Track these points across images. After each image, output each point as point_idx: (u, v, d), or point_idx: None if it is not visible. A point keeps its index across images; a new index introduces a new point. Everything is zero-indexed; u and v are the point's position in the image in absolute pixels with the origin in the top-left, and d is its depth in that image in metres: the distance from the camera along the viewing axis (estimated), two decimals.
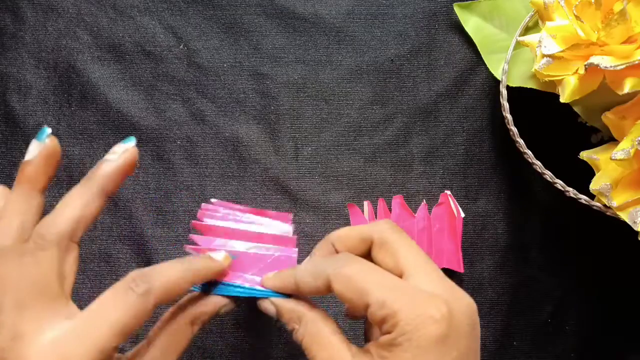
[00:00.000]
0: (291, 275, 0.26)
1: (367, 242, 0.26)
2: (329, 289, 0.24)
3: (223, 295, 0.27)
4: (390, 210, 0.40)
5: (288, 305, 0.26)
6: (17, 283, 0.22)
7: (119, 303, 0.22)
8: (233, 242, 0.29)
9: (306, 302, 0.26)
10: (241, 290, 0.28)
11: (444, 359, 0.22)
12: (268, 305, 0.27)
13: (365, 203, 0.40)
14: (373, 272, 0.24)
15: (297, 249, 0.29)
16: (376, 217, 0.40)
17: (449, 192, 0.40)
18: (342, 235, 0.27)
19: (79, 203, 0.25)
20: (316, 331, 0.24)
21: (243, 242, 0.29)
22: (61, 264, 0.24)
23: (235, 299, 0.28)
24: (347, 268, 0.23)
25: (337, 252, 0.27)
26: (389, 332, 0.22)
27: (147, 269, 0.24)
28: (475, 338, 0.23)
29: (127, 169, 0.27)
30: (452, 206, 0.40)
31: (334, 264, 0.24)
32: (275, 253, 0.29)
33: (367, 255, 0.26)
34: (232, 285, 0.28)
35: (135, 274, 0.23)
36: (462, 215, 0.39)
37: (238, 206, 0.31)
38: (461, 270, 0.39)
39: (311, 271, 0.25)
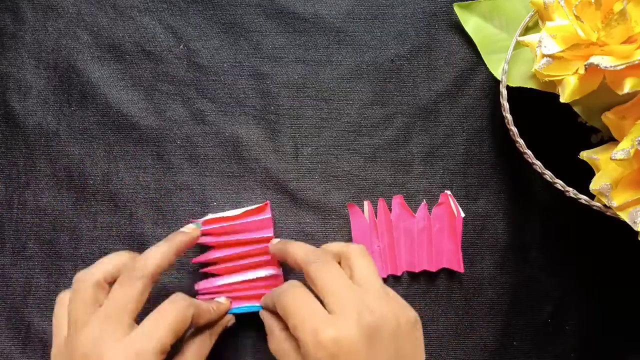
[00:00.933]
0: (266, 298, 0.35)
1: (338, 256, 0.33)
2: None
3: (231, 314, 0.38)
4: (390, 210, 0.40)
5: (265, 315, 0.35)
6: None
7: (171, 310, 0.30)
8: (228, 278, 0.38)
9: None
10: (244, 308, 0.38)
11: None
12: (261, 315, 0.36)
13: (366, 203, 0.40)
14: (299, 298, 0.30)
15: (280, 269, 0.38)
16: (376, 217, 0.40)
17: (449, 192, 0.40)
18: (331, 245, 0.34)
19: (160, 254, 0.32)
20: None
21: (235, 276, 0.38)
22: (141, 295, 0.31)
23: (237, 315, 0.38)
24: (282, 296, 0.30)
25: None
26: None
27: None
28: (376, 352, 0.27)
29: (193, 242, 0.36)
30: (452, 206, 0.40)
31: (279, 292, 0.31)
32: (259, 274, 0.37)
33: None
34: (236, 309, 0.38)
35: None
36: (462, 215, 0.39)
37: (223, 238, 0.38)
38: (461, 270, 0.39)
39: (270, 298, 0.33)
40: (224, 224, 0.37)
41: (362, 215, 0.40)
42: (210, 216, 0.38)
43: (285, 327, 0.31)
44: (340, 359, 0.27)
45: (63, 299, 0.31)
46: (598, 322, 0.40)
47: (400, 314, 0.29)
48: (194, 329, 0.34)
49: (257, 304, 0.37)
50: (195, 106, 0.41)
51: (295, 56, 0.42)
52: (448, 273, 0.40)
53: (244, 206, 0.40)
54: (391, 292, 0.31)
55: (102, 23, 0.42)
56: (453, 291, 0.40)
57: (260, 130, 0.41)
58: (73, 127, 0.41)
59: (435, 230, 0.40)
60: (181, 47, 0.42)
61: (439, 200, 0.40)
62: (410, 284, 0.40)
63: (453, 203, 0.40)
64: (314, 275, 0.30)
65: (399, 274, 0.40)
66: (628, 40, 0.30)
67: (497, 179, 0.41)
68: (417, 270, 0.39)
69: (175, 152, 0.41)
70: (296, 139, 0.41)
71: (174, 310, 0.30)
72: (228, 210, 0.40)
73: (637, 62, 0.29)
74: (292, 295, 0.30)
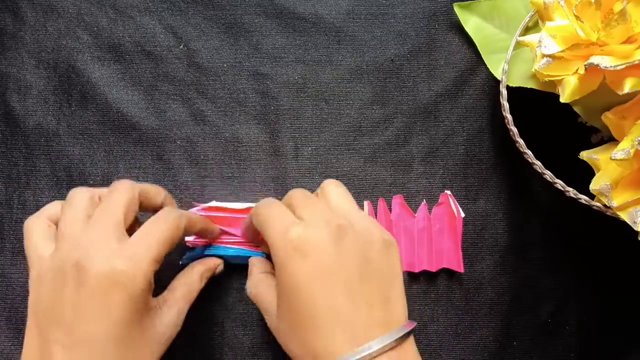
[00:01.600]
0: (248, 217, 0.35)
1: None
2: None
3: (217, 256, 0.38)
4: (390, 210, 0.40)
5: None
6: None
7: (163, 221, 0.30)
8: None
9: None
10: (230, 250, 0.38)
11: (299, 269, 0.27)
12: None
13: (366, 203, 0.40)
14: (273, 207, 0.31)
15: None
16: (376, 217, 0.40)
17: (449, 192, 0.40)
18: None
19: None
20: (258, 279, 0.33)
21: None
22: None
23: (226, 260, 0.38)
24: (257, 207, 0.32)
25: None
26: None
27: None
28: (344, 250, 0.28)
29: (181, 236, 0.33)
30: (452, 206, 0.40)
31: (256, 205, 0.33)
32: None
33: None
34: (222, 248, 0.38)
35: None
36: (462, 215, 0.39)
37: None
38: (461, 270, 0.39)
39: (250, 215, 0.34)
40: (225, 214, 0.38)
41: None
42: (213, 203, 0.39)
43: (265, 270, 0.33)
44: (307, 252, 0.27)
45: (31, 224, 0.30)
46: (598, 322, 0.40)
47: (374, 231, 0.30)
48: (184, 271, 0.35)
49: (243, 248, 0.37)
50: (195, 106, 0.41)
51: (295, 56, 0.42)
52: (448, 273, 0.40)
53: None
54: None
55: (102, 23, 0.42)
56: (453, 291, 0.40)
57: (260, 130, 0.41)
58: (73, 127, 0.41)
59: (436, 230, 0.40)
60: (181, 47, 0.42)
61: (439, 200, 0.40)
62: (410, 284, 0.40)
63: (453, 203, 0.40)
64: (286, 197, 0.32)
65: None
66: (628, 40, 0.30)
67: (497, 179, 0.41)
68: (417, 270, 0.39)
69: (175, 152, 0.41)
70: (296, 139, 0.41)
71: (167, 220, 0.30)
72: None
73: (637, 62, 0.29)
74: (266, 205, 0.31)
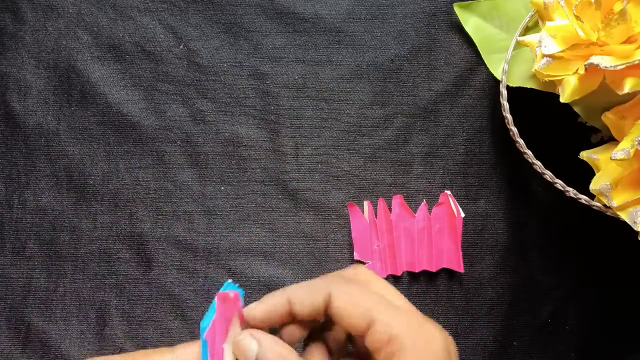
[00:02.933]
0: (282, 295, 0.23)
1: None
2: (326, 308, 0.22)
3: None
4: (390, 210, 0.40)
5: (275, 348, 0.22)
6: None
7: None
8: None
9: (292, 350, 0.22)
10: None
11: None
12: (248, 343, 0.22)
13: (366, 203, 0.40)
14: (374, 293, 0.22)
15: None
16: (376, 217, 0.40)
17: (449, 192, 0.40)
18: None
19: None
20: None
21: None
22: None
23: None
24: (349, 285, 0.22)
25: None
26: (390, 355, 0.21)
27: None
28: None
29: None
30: (452, 206, 0.40)
31: (333, 281, 0.22)
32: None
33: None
34: None
35: None
36: (462, 215, 0.39)
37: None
38: (461, 270, 0.39)
39: (308, 288, 0.23)
40: None
41: (362, 215, 0.40)
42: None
43: None
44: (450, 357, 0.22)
45: None
46: (598, 322, 0.40)
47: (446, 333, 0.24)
48: None
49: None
50: (195, 106, 0.41)
51: (295, 56, 0.42)
52: (448, 273, 0.40)
53: (243, 206, 0.40)
54: None
55: (102, 23, 0.42)
56: (453, 291, 0.40)
57: (260, 130, 0.41)
58: (73, 127, 0.41)
59: (435, 230, 0.40)
60: (181, 47, 0.42)
61: (439, 200, 0.40)
62: (410, 284, 0.40)
63: (453, 203, 0.40)
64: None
65: (398, 274, 0.40)
66: (628, 40, 0.30)
67: (497, 179, 0.41)
68: (417, 270, 0.39)
69: (175, 152, 0.41)
70: (296, 139, 0.41)
71: None
72: (232, 217, 0.40)
73: (637, 62, 0.29)
74: (364, 287, 0.23)
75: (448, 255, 0.39)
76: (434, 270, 0.39)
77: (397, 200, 0.40)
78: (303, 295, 0.22)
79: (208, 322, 0.24)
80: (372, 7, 0.43)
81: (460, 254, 0.39)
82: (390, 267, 0.40)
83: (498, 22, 0.41)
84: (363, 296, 0.22)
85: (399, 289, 0.40)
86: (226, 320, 0.24)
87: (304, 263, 0.40)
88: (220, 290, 0.25)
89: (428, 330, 0.21)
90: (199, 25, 0.42)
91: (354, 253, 0.39)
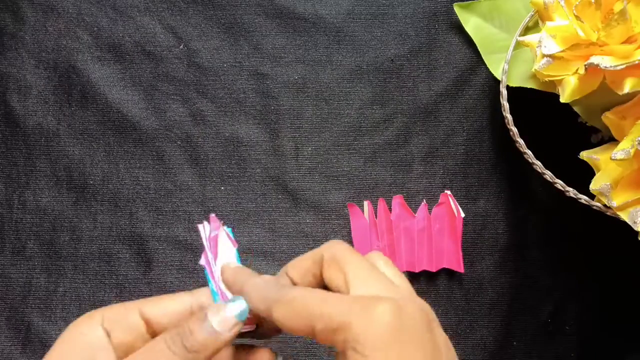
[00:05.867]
0: (241, 283, 0.25)
1: (318, 263, 0.25)
2: (269, 316, 0.23)
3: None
4: (390, 210, 0.40)
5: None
6: None
7: None
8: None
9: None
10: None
11: (401, 355, 0.21)
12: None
13: (366, 203, 0.40)
14: (314, 293, 0.23)
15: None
16: (376, 217, 0.40)
17: (449, 192, 0.40)
18: (294, 262, 0.26)
19: None
20: None
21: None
22: None
23: None
24: (289, 293, 0.23)
25: (293, 282, 0.26)
26: (343, 346, 0.21)
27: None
28: (431, 337, 0.22)
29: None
30: (452, 206, 0.40)
31: (277, 290, 0.23)
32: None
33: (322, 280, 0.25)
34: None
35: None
36: (462, 215, 0.39)
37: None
38: (461, 270, 0.39)
39: (259, 293, 0.24)
40: None
41: (362, 215, 0.40)
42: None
43: None
44: (403, 337, 0.21)
45: None
46: (598, 322, 0.40)
47: (423, 302, 0.25)
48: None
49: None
50: (195, 106, 0.41)
51: (295, 56, 0.42)
52: (448, 273, 0.40)
53: (243, 207, 0.40)
54: None
55: (102, 23, 0.42)
56: (453, 291, 0.40)
57: (260, 130, 0.41)
58: (73, 127, 0.41)
59: (436, 230, 0.40)
60: (181, 47, 0.42)
61: (439, 200, 0.40)
62: (410, 284, 0.40)
63: (453, 203, 0.40)
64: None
65: None
66: (628, 40, 0.30)
67: (497, 179, 0.41)
68: (417, 270, 0.39)
69: (175, 152, 0.41)
70: (296, 139, 0.41)
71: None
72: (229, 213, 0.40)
73: (637, 62, 0.29)
74: (303, 291, 0.24)
75: (448, 255, 0.39)
76: (434, 270, 0.39)
77: (397, 200, 0.40)
78: (254, 298, 0.24)
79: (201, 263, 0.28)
80: (372, 7, 0.43)
81: (461, 254, 0.39)
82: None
83: (498, 22, 0.41)
84: (305, 300, 0.22)
85: None
86: (211, 243, 0.28)
87: None
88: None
89: (376, 313, 0.21)
90: (199, 25, 0.42)
91: None
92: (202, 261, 0.28)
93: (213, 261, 0.28)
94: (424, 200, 0.40)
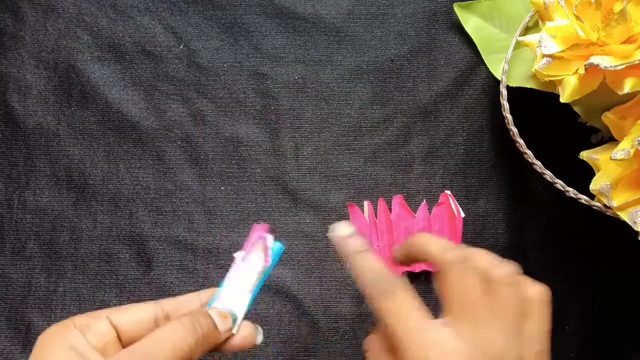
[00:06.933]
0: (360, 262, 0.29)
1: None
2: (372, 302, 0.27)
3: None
4: (390, 210, 0.40)
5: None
6: None
7: (166, 340, 0.25)
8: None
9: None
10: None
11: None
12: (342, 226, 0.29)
13: (366, 203, 0.40)
14: (413, 303, 0.27)
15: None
16: (376, 217, 0.40)
17: (449, 192, 0.40)
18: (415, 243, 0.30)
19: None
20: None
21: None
22: None
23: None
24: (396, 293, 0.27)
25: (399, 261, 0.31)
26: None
27: None
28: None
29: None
30: (452, 206, 0.39)
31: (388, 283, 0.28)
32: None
33: None
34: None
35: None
36: (462, 215, 0.39)
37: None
38: None
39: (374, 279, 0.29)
40: None
41: (362, 215, 0.40)
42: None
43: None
44: None
45: None
46: (598, 322, 0.40)
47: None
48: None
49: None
50: (195, 106, 0.41)
51: (295, 56, 0.42)
52: None
53: (243, 207, 0.40)
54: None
55: (102, 23, 0.42)
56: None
57: (260, 130, 0.41)
58: (73, 127, 0.41)
59: (435, 230, 0.40)
60: (181, 47, 0.42)
61: (439, 200, 0.40)
62: (410, 284, 0.40)
63: (453, 203, 0.40)
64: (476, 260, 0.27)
65: (399, 274, 0.40)
66: (628, 40, 0.30)
67: (497, 179, 0.41)
68: (417, 270, 0.39)
69: (175, 152, 0.41)
70: (296, 139, 0.41)
71: (164, 345, 0.25)
72: (230, 214, 0.40)
73: (637, 62, 0.29)
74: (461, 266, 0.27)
75: None
76: (434, 270, 0.39)
77: (397, 200, 0.40)
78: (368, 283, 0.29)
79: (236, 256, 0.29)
80: (372, 7, 0.43)
81: None
82: (389, 267, 0.39)
83: (498, 22, 0.41)
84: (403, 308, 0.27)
85: None
86: (252, 249, 0.29)
87: (304, 263, 0.40)
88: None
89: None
90: (199, 25, 0.42)
91: None
92: (238, 255, 0.29)
93: (241, 263, 0.29)
94: (424, 200, 0.40)
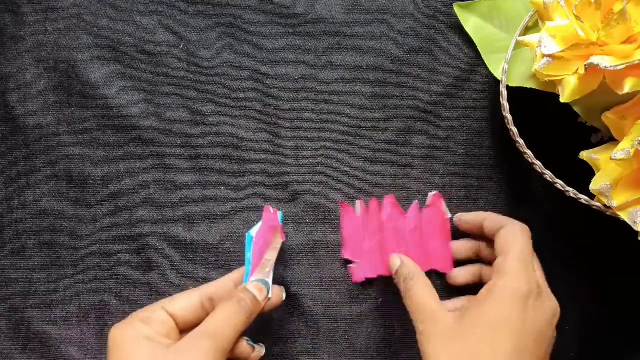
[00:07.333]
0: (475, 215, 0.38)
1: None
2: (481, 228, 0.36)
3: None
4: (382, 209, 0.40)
5: (409, 263, 0.35)
6: None
7: (220, 322, 0.31)
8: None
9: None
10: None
11: (511, 327, 0.29)
12: (394, 259, 0.36)
13: (358, 202, 0.40)
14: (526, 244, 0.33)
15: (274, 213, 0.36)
16: (369, 216, 0.40)
17: (438, 193, 0.40)
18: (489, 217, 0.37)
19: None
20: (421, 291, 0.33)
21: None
22: None
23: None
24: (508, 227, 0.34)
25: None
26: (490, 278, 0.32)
27: None
28: (542, 330, 0.31)
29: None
30: (441, 207, 0.39)
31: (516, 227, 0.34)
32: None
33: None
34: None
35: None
36: (449, 216, 0.39)
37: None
38: (450, 270, 0.39)
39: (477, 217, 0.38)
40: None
41: (354, 214, 0.40)
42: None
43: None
44: (526, 316, 0.30)
45: None
46: (598, 322, 0.40)
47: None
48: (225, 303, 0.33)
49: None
50: (195, 106, 0.41)
51: (295, 56, 0.42)
52: (438, 275, 0.40)
53: (243, 207, 0.40)
54: None
55: (102, 23, 0.42)
56: (453, 292, 0.40)
57: (260, 130, 0.41)
58: (73, 127, 0.41)
59: (425, 231, 0.39)
60: (181, 47, 0.42)
61: (428, 202, 0.40)
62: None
63: (442, 204, 0.39)
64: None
65: (389, 274, 0.39)
66: (628, 40, 0.30)
67: (497, 179, 0.41)
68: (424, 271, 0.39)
69: (175, 152, 0.41)
70: (296, 139, 0.41)
71: (224, 324, 0.30)
72: (229, 211, 0.40)
73: (637, 62, 0.29)
74: (525, 243, 0.34)
75: (438, 256, 0.39)
76: (424, 271, 0.39)
77: (389, 200, 0.40)
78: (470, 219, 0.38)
79: (252, 235, 0.35)
80: (372, 7, 0.43)
81: (450, 254, 0.39)
82: (380, 266, 0.39)
83: (498, 22, 0.41)
84: (509, 237, 0.34)
85: (390, 289, 0.40)
86: (269, 229, 0.35)
87: (304, 263, 0.40)
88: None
89: (521, 284, 0.31)
90: (199, 25, 0.42)
91: (343, 252, 0.39)
92: (253, 232, 0.35)
93: (260, 245, 0.35)
94: (416, 200, 0.40)
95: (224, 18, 0.43)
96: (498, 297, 0.30)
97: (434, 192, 0.40)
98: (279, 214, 0.36)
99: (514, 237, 0.33)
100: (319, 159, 0.41)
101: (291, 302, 0.39)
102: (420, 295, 0.32)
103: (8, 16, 0.42)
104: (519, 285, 0.30)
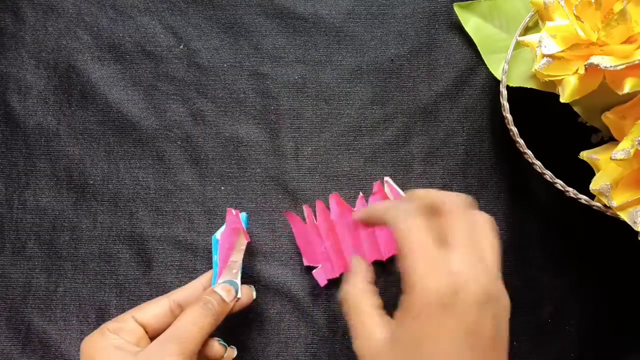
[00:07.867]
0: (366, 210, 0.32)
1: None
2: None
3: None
4: (329, 209, 0.39)
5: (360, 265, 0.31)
6: None
7: (187, 325, 0.31)
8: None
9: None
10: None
11: (439, 329, 0.24)
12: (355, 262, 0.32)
13: (304, 207, 0.39)
14: (419, 233, 0.27)
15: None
16: (316, 219, 0.39)
17: (387, 179, 0.39)
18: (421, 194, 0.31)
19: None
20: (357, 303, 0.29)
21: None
22: None
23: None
24: (402, 223, 0.27)
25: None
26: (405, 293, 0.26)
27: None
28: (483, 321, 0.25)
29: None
30: (387, 192, 0.39)
31: (398, 212, 0.28)
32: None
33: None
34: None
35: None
36: (402, 194, 0.38)
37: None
38: None
39: (378, 209, 0.30)
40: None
41: (301, 221, 0.39)
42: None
43: (369, 279, 0.30)
44: (454, 313, 0.24)
45: None
46: (598, 322, 0.40)
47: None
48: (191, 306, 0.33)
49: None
50: (195, 106, 0.42)
51: (295, 56, 0.42)
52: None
53: (243, 207, 0.40)
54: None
55: (102, 23, 0.42)
56: None
57: (260, 130, 0.41)
58: (73, 127, 0.41)
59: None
60: (181, 47, 0.42)
61: (373, 190, 0.40)
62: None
63: (389, 189, 0.39)
64: (436, 204, 0.29)
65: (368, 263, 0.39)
66: (628, 40, 0.30)
67: (497, 179, 0.41)
68: (369, 262, 0.39)
69: (175, 152, 0.41)
70: (296, 139, 0.41)
71: (190, 327, 0.30)
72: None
73: (637, 62, 0.29)
74: (409, 224, 0.27)
75: (390, 241, 0.39)
76: (384, 259, 0.39)
77: (333, 199, 0.39)
78: (373, 214, 0.31)
79: (217, 238, 0.36)
80: (372, 7, 0.43)
81: None
82: (339, 265, 0.39)
83: (498, 22, 0.41)
84: (407, 236, 0.27)
85: (390, 290, 0.40)
86: (232, 232, 0.35)
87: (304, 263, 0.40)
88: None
89: (434, 285, 0.25)
90: (199, 25, 0.42)
91: (303, 260, 0.39)
92: (218, 235, 0.36)
93: (226, 248, 0.35)
94: (360, 193, 0.40)
95: (224, 18, 0.43)
96: (410, 315, 0.25)
97: (383, 179, 0.39)
98: (242, 215, 0.36)
99: (404, 241, 0.27)
100: (319, 159, 0.41)
101: (291, 302, 0.39)
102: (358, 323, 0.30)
103: (8, 16, 0.42)
104: (428, 299, 0.25)
